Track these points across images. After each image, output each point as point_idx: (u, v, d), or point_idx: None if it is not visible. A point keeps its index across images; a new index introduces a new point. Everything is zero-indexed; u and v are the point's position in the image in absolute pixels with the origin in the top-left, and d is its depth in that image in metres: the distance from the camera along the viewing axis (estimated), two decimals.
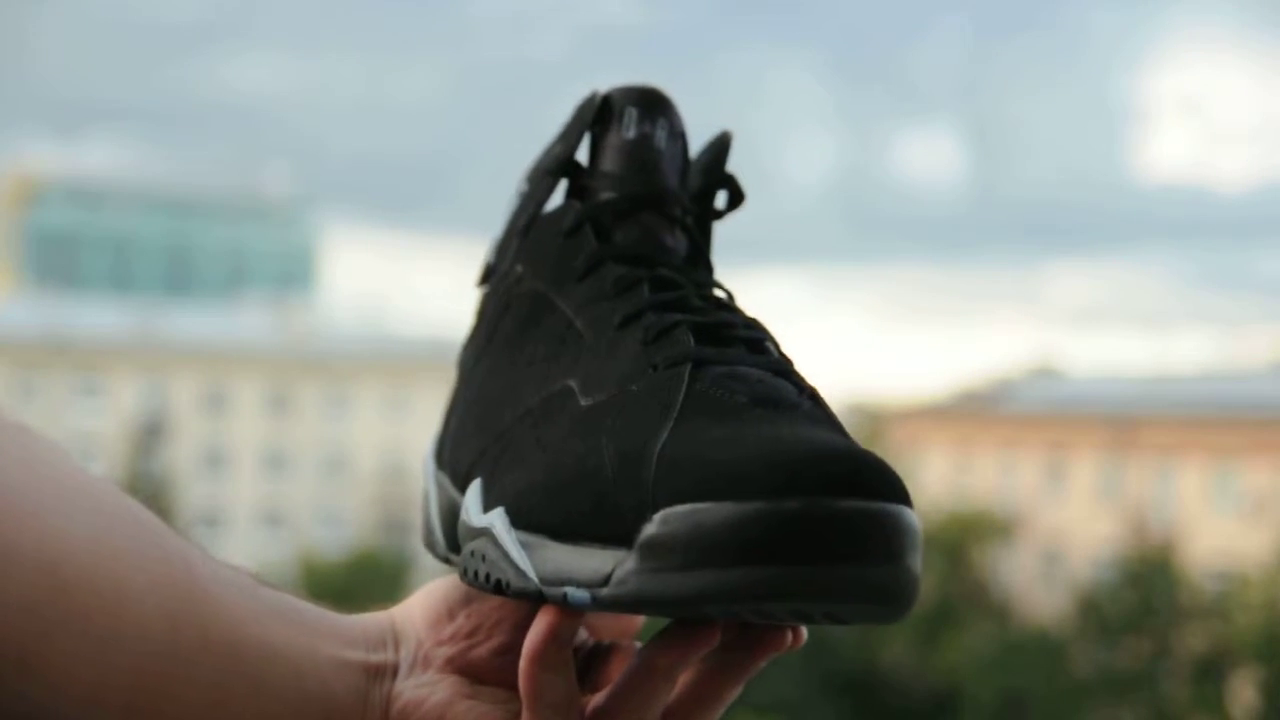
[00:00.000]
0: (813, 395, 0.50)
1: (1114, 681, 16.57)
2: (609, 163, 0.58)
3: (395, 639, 0.55)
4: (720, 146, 0.60)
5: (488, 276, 0.63)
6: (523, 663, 0.50)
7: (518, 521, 0.50)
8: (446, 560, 0.59)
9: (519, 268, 0.59)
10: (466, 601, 0.56)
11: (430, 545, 0.61)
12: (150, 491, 21.77)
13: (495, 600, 0.55)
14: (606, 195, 0.57)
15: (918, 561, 0.45)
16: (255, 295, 39.65)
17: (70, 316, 30.00)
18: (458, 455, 0.58)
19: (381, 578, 19.90)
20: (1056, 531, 22.75)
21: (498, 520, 0.50)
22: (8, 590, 0.40)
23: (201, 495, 27.75)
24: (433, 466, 0.63)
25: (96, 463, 26.47)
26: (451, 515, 0.58)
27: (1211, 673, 16.28)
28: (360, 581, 19.03)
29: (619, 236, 0.57)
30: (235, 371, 30.33)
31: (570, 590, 0.47)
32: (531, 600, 0.49)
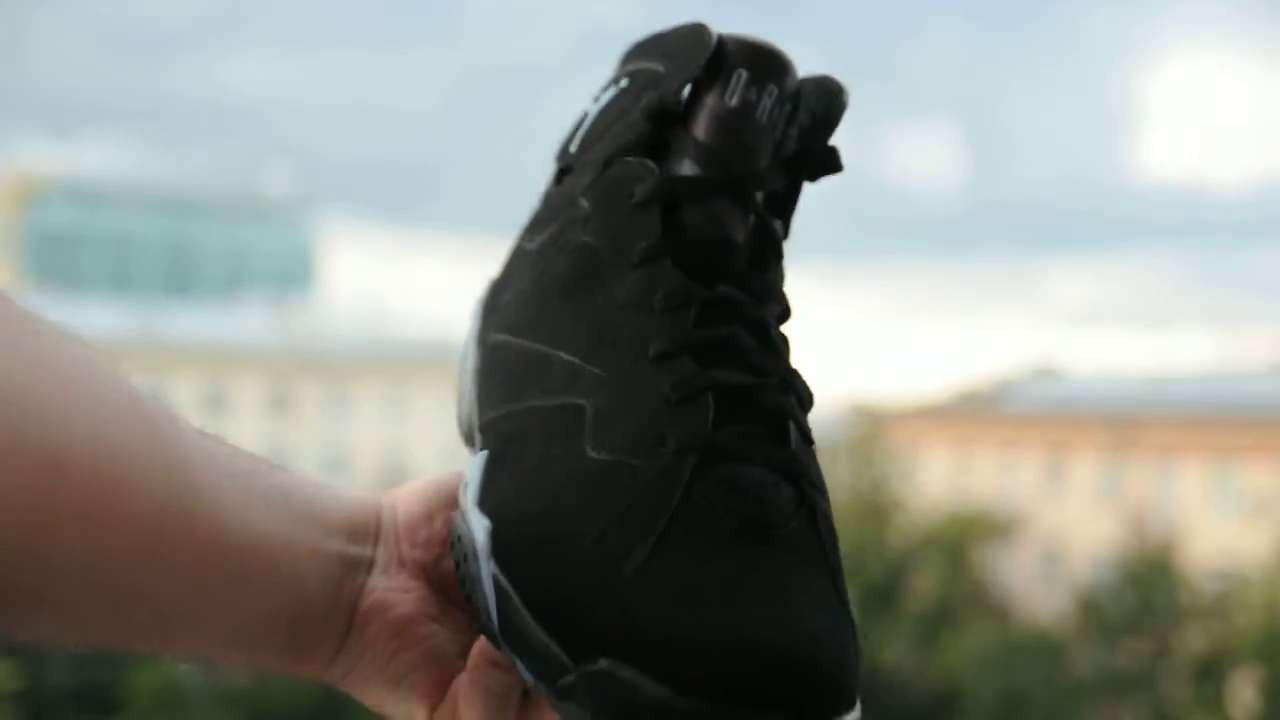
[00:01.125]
0: (811, 510, 0.49)
1: (1114, 681, 16.57)
2: (702, 129, 0.53)
3: (377, 531, 0.55)
4: (832, 107, 0.55)
5: (564, 171, 0.58)
6: (474, 654, 0.52)
7: (498, 554, 0.49)
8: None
9: (585, 204, 0.55)
10: (446, 508, 0.56)
11: (457, 413, 0.61)
12: None
13: None
14: (689, 169, 0.53)
15: None
16: (255, 295, 39.64)
17: (70, 316, 29.72)
18: (486, 390, 0.56)
19: None
20: (1056, 531, 22.75)
21: (481, 540, 0.50)
22: (11, 485, 0.41)
23: None
24: (476, 330, 0.60)
25: None
26: (470, 413, 0.58)
27: (1211, 673, 16.28)
28: None
29: (688, 222, 0.53)
30: (235, 371, 30.34)
31: (520, 666, 0.47)
32: (493, 643, 0.49)
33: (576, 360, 0.52)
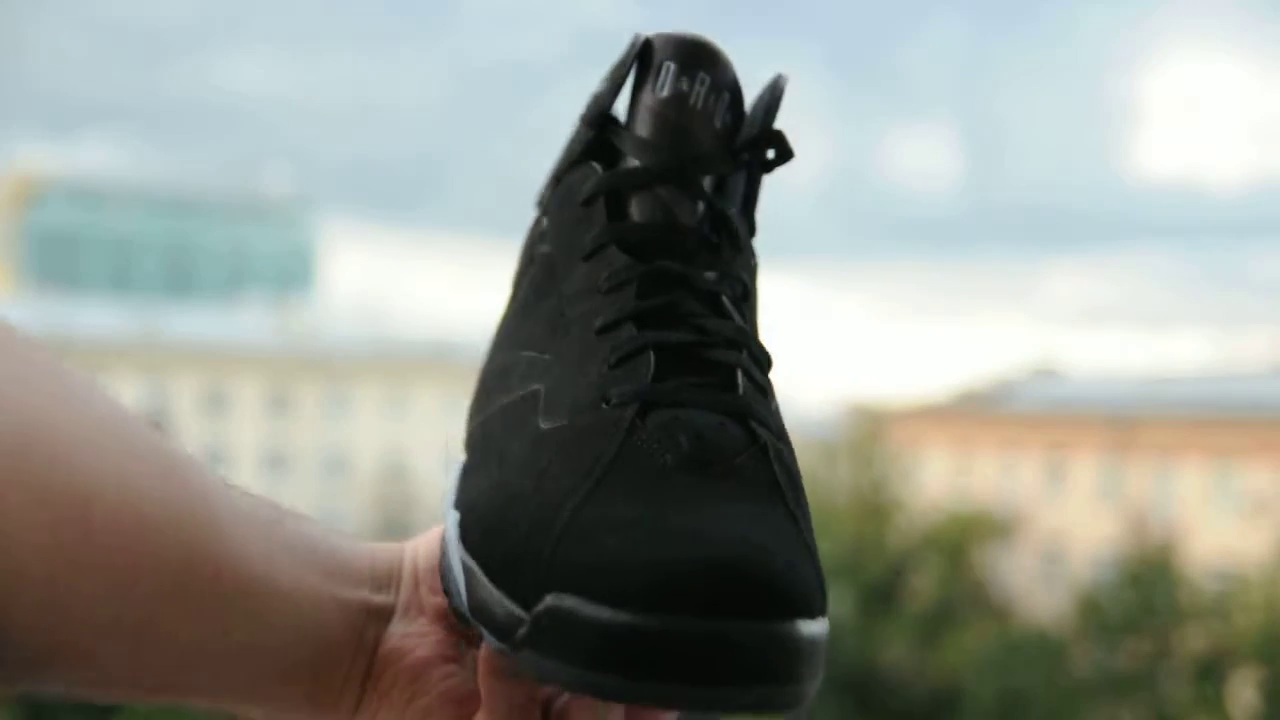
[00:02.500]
0: (763, 448, 0.49)
1: (1114, 681, 16.56)
2: (639, 124, 0.55)
3: (400, 578, 0.56)
4: (771, 98, 0.56)
5: (544, 210, 0.59)
6: (480, 667, 0.51)
7: (464, 537, 0.50)
8: None
9: (545, 221, 0.58)
10: None
11: None
12: None
13: None
14: (630, 163, 0.55)
15: (802, 674, 0.45)
16: (255, 295, 39.66)
17: (70, 316, 29.97)
18: (468, 412, 0.58)
19: None
20: (1056, 531, 22.74)
21: (451, 531, 0.51)
22: (39, 530, 0.41)
23: None
24: None
25: None
26: None
27: (1211, 673, 16.27)
28: None
29: (634, 211, 0.54)
30: (235, 371, 30.33)
31: (488, 636, 0.48)
32: (465, 623, 0.50)
33: (534, 354, 0.54)
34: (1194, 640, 16.80)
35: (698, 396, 0.49)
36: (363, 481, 29.85)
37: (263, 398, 30.62)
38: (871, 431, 21.78)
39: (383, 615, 0.54)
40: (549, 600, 0.45)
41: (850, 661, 16.51)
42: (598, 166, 0.55)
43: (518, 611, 0.46)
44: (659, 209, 0.54)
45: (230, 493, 0.50)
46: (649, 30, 0.56)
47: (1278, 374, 23.97)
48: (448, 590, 0.51)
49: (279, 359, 30.68)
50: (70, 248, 47.17)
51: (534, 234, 0.58)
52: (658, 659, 0.43)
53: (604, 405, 0.49)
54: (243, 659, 0.49)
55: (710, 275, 0.53)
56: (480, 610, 0.48)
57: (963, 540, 19.55)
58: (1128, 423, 22.82)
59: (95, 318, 30.60)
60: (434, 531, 0.58)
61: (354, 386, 31.21)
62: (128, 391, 29.07)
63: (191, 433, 28.97)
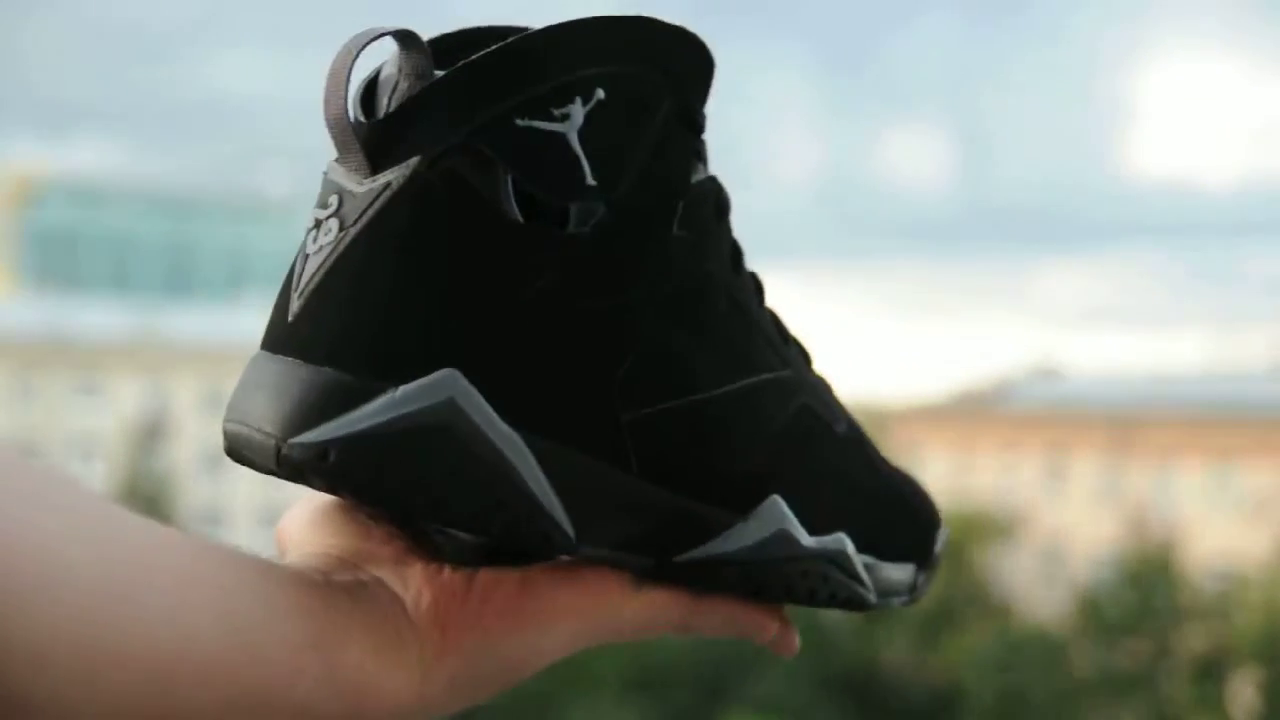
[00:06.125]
0: None
1: (1114, 681, 16.58)
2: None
3: (350, 562, 0.50)
4: None
5: (609, 186, 0.49)
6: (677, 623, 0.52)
7: (868, 548, 0.57)
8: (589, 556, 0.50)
9: (681, 232, 0.51)
10: (326, 511, 0.53)
11: (545, 531, 0.48)
12: (150, 491, 21.77)
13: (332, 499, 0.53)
14: (704, 171, 0.53)
15: None
16: (255, 295, 39.65)
17: (70, 316, 30.01)
18: (704, 465, 0.52)
19: None
20: (1056, 531, 22.75)
21: (848, 547, 0.55)
22: None
23: (201, 495, 27.72)
24: (508, 429, 0.47)
25: (96, 463, 26.58)
26: (618, 506, 0.50)
27: (1211, 673, 16.30)
28: None
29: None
30: (235, 371, 29.92)
31: (894, 600, 0.58)
32: (864, 610, 0.57)
33: (769, 374, 0.55)
34: (1194, 640, 16.82)
35: None
36: None
37: None
38: (871, 431, 21.73)
39: (363, 591, 0.48)
40: (939, 540, 0.60)
41: (850, 661, 16.51)
42: (714, 176, 0.53)
43: (912, 565, 0.58)
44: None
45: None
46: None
47: (1277, 374, 23.99)
48: (851, 600, 0.56)
49: None
50: (70, 247, 47.16)
51: (668, 248, 0.51)
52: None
53: (830, 394, 0.59)
54: (215, 633, 0.42)
55: None
56: (883, 589, 0.57)
57: (963, 540, 19.56)
58: (1128, 423, 22.83)
59: (95, 318, 30.62)
60: (292, 515, 0.54)
61: None
62: (128, 391, 29.07)
63: (191, 433, 28.97)
